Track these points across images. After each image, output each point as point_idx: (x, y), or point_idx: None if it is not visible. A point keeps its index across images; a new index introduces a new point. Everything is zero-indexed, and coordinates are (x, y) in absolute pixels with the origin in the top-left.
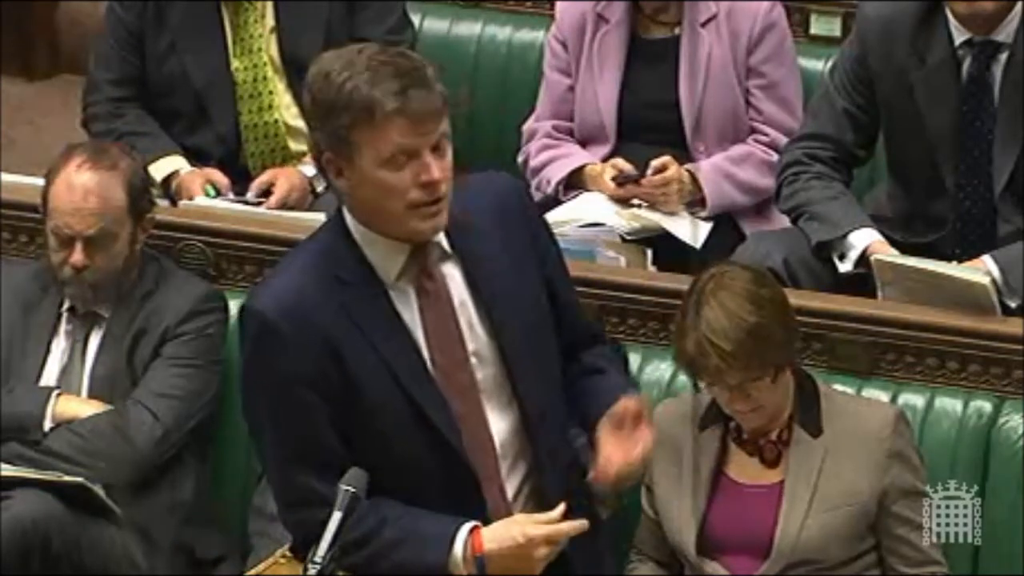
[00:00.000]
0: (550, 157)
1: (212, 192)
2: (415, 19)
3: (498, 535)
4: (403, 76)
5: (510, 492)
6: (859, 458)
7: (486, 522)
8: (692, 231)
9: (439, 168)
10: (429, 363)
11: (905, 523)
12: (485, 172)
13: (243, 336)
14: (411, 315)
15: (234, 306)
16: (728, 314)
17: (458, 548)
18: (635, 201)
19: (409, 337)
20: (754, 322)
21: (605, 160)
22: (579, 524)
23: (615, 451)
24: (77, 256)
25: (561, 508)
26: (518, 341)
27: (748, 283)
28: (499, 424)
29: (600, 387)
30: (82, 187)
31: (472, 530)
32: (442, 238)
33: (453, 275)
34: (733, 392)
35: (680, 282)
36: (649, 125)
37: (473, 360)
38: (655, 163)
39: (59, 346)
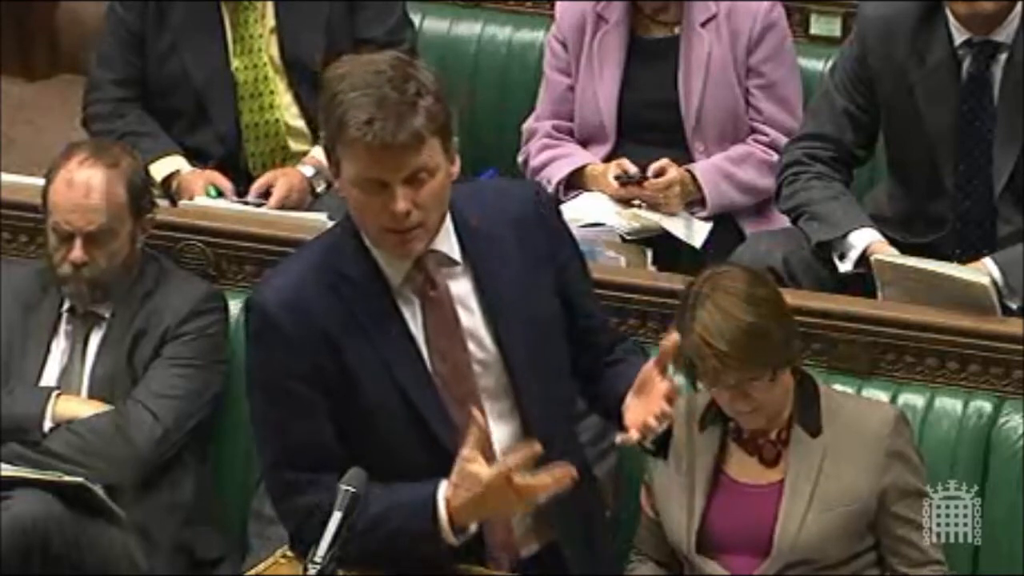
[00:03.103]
0: (550, 157)
1: (214, 193)
2: (415, 19)
3: (459, 491)
4: (379, 106)
5: None
6: (859, 458)
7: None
8: (692, 231)
9: (409, 200)
10: (430, 368)
11: (905, 523)
12: (507, 179)
13: (247, 328)
14: (414, 319)
15: (234, 306)
16: (724, 315)
17: (442, 514)
18: (635, 201)
19: (411, 339)
20: (751, 322)
21: (605, 160)
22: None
23: (636, 413)
24: (76, 252)
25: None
26: (522, 351)
27: (744, 283)
28: (501, 432)
29: (623, 372)
30: (83, 184)
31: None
32: (453, 245)
33: (462, 282)
34: (733, 392)
35: (680, 282)
36: (649, 125)
37: (476, 368)
38: (654, 167)
39: (59, 346)
